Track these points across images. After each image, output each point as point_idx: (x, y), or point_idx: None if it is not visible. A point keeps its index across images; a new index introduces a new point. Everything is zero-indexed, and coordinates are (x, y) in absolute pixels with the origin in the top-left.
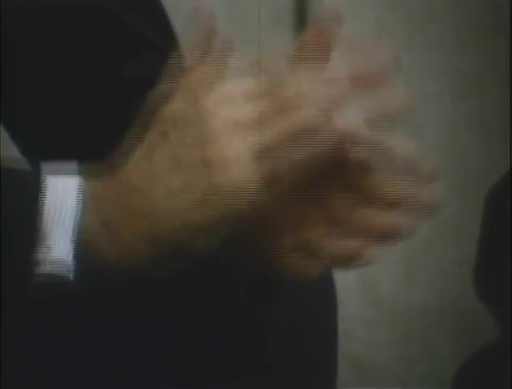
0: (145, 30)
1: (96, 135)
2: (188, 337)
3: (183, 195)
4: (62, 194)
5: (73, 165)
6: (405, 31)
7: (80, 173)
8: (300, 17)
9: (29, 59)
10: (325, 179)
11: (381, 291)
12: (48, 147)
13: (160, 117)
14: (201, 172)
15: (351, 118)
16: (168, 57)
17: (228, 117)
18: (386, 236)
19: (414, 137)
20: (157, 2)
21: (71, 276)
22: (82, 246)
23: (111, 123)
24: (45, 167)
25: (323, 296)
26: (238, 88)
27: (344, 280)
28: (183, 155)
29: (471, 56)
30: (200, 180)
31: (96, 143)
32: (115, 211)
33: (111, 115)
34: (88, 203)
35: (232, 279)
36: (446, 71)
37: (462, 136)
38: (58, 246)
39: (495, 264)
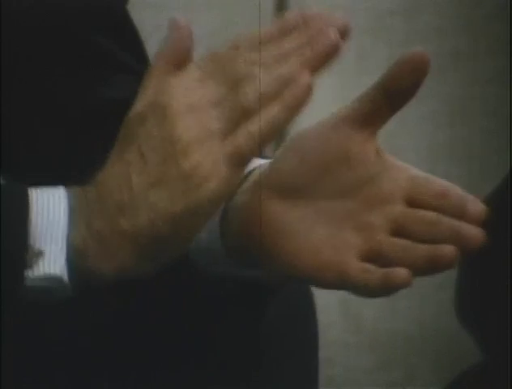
0: (118, 52)
1: (76, 160)
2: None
3: (162, 208)
4: (52, 208)
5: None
6: (386, 57)
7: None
8: None
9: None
10: (364, 209)
11: (363, 317)
12: (31, 171)
13: (131, 128)
14: (179, 186)
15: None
16: (141, 78)
17: (194, 127)
18: (427, 267)
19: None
20: (130, 26)
21: (66, 287)
22: (74, 257)
23: (89, 148)
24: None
25: (304, 321)
26: (196, 85)
27: (326, 307)
28: (160, 171)
29: (451, 82)
30: (180, 195)
31: (76, 167)
32: (97, 214)
33: (89, 139)
34: (73, 213)
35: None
36: (427, 97)
37: (442, 162)
38: (53, 263)
39: (476, 287)
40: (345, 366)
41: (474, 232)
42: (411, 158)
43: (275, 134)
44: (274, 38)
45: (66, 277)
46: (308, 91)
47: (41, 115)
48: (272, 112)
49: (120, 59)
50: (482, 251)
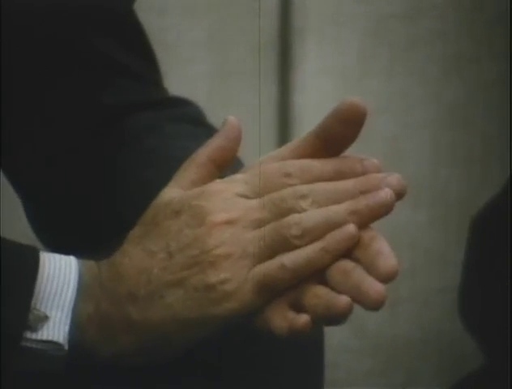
0: (121, 55)
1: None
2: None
3: (176, 310)
4: (63, 275)
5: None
6: (388, 60)
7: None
8: (283, 48)
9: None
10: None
11: (366, 321)
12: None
13: (160, 217)
14: (200, 296)
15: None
16: (145, 81)
17: (230, 242)
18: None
19: (397, 166)
20: (136, 27)
21: (63, 357)
22: (75, 330)
23: (88, 151)
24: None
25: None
26: (240, 207)
27: None
28: (184, 274)
29: (453, 86)
30: (198, 304)
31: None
32: (108, 296)
33: (88, 142)
34: (85, 288)
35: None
36: (429, 101)
37: (444, 165)
38: (57, 329)
39: (479, 290)
40: (348, 369)
41: (376, 290)
42: (413, 161)
43: (307, 272)
44: (328, 174)
45: (66, 346)
46: (350, 241)
47: (41, 117)
48: (310, 250)
49: (123, 62)
50: (485, 255)
